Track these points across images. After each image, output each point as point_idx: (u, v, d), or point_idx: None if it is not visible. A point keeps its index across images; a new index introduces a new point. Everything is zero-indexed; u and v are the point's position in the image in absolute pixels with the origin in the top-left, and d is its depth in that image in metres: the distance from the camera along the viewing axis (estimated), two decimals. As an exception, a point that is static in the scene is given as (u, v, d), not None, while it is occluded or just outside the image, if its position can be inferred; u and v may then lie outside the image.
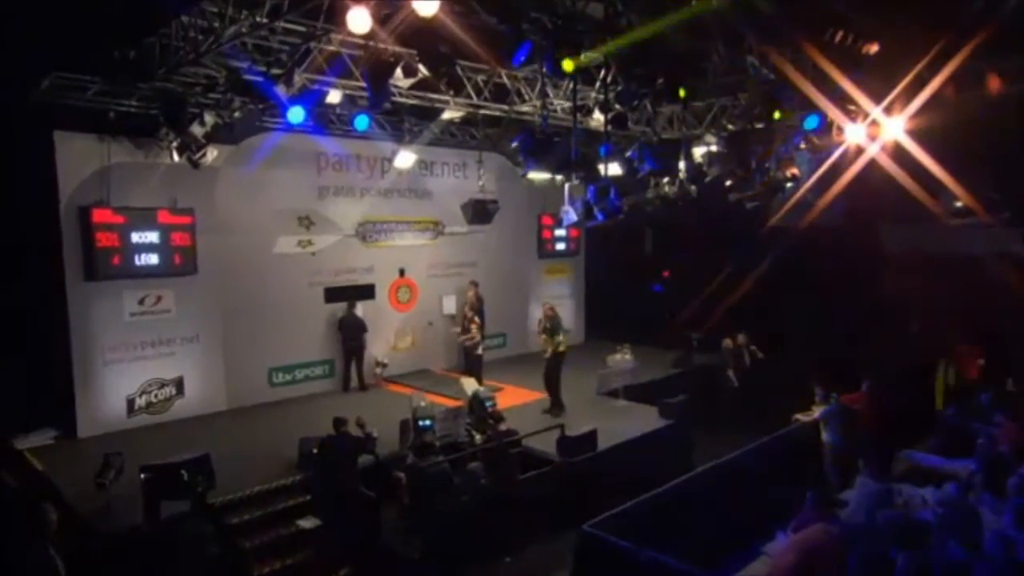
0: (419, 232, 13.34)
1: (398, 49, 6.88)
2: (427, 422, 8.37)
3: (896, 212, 12.42)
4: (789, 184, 11.09)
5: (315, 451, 7.90)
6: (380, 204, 12.66)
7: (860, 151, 10.18)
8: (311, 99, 8.56)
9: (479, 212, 11.40)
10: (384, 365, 12.48)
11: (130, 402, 9.94)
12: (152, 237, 9.80)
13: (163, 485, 6.75)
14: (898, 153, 9.85)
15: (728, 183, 10.49)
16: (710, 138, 10.18)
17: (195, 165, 9.46)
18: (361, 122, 9.55)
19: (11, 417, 8.92)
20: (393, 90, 7.43)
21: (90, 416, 9.56)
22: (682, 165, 10.05)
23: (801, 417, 8.90)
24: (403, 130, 11.78)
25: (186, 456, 6.99)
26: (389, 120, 11.79)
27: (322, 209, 11.90)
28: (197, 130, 8.67)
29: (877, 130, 9.46)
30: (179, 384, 10.40)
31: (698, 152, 10.56)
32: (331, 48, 8.06)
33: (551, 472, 8.43)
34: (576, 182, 8.40)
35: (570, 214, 8.22)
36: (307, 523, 7.70)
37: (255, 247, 11.08)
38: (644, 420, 10.20)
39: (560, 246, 15.72)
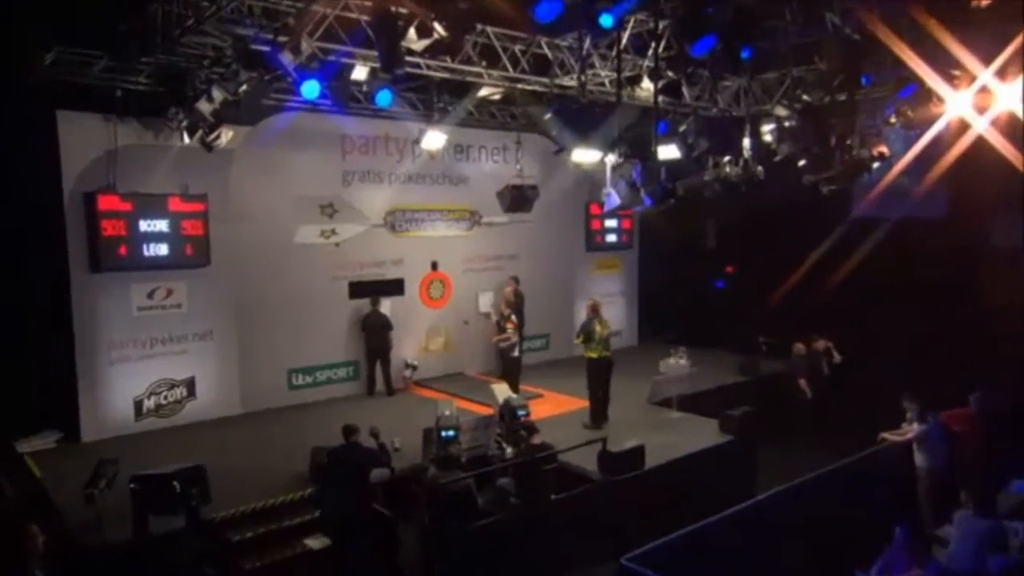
0: (453, 222, 13.00)
1: (412, 5, 6.42)
2: (451, 432, 7.95)
3: (1008, 198, 11.37)
4: (876, 165, 10.18)
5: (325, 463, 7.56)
6: (411, 191, 12.36)
7: (965, 126, 9.25)
8: (327, 72, 8.24)
9: (517, 199, 10.89)
10: (413, 367, 12.17)
11: (138, 404, 9.84)
12: (162, 225, 9.67)
13: (153, 498, 6.50)
14: (1012, 127, 8.89)
15: (802, 163, 9.66)
16: (781, 110, 9.37)
17: (208, 147, 9.32)
18: (383, 97, 9.13)
19: (14, 418, 8.89)
20: (407, 55, 6.94)
21: (95, 418, 9.49)
22: (746, 142, 9.28)
23: (889, 436, 8.12)
24: (436, 109, 11.36)
25: (179, 467, 6.70)
26: (420, 98, 11.41)
27: (347, 196, 11.65)
28: (205, 107, 8.44)
29: (987, 99, 8.54)
30: (190, 385, 10.27)
31: (766, 128, 9.76)
32: (351, 15, 7.68)
33: (589, 492, 7.93)
34: (620, 160, 7.79)
35: (612, 197, 7.62)
36: (315, 543, 7.35)
37: (273, 237, 10.88)
38: (701, 435, 9.64)
39: (611, 238, 15.19)
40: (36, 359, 9.08)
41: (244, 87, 8.02)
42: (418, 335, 12.61)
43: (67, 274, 9.19)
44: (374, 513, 7.29)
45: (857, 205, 12.38)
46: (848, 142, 9.50)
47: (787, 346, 12.00)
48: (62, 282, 9.18)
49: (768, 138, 9.58)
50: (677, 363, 11.19)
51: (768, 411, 10.23)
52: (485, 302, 13.17)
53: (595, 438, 8.48)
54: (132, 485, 6.58)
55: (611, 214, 14.38)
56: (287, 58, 7.07)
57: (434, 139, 11.05)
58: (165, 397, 10.06)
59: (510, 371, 11.28)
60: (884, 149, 10.06)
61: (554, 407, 10.91)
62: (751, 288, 14.16)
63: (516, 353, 11.33)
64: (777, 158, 9.58)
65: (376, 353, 11.73)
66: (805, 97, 9.31)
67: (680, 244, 15.53)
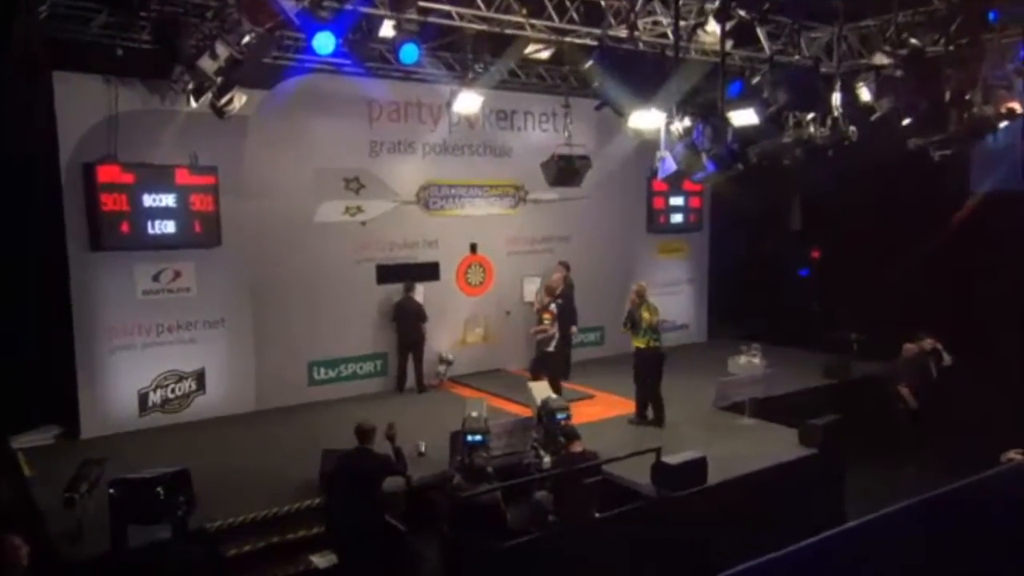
0: (495, 198, 12.56)
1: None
2: (477, 437, 7.53)
3: None
4: (1003, 125, 9.15)
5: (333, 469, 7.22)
6: (447, 163, 11.98)
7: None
8: (344, 23, 7.80)
9: (564, 171, 10.29)
10: (449, 362, 11.83)
11: (142, 397, 9.71)
12: (168, 200, 9.47)
13: (133, 505, 6.21)
14: None
15: (907, 122, 8.71)
16: (881, 58, 8.43)
17: (220, 113, 9.02)
18: (408, 53, 8.55)
19: (11, 411, 8.80)
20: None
21: (95, 413, 9.38)
22: (836, 97, 8.41)
23: (1017, 456, 7.16)
24: (471, 68, 10.81)
25: (162, 471, 6.40)
26: (456, 57, 10.88)
27: (374, 168, 11.31)
28: (208, 64, 8.04)
29: None
30: (200, 378, 10.11)
31: (861, 82, 8.86)
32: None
33: (640, 510, 7.41)
34: (684, 120, 7.10)
35: (667, 162, 6.95)
36: (321, 560, 7.06)
37: (292, 214, 10.62)
38: (776, 446, 9.03)
39: (677, 218, 14.48)
40: (32, 346, 8.94)
41: (247, 39, 7.64)
42: (454, 326, 12.24)
43: (65, 253, 9.07)
44: (386, 527, 6.94)
45: (978, 176, 11.30)
46: (968, 97, 8.54)
47: (884, 345, 11.17)
48: (60, 262, 9.06)
49: (864, 93, 8.67)
50: (750, 362, 10.73)
51: (860, 421, 9.53)
52: (531, 290, 12.67)
53: (647, 447, 7.89)
54: (111, 490, 6.29)
55: (677, 190, 13.64)
56: (288, 1, 6.62)
57: (468, 102, 10.49)
58: (172, 391, 9.91)
59: (552, 368, 10.73)
60: (1015, 105, 8.98)
61: (605, 409, 10.43)
62: (841, 276, 13.43)
63: (552, 348, 10.75)
64: (875, 116, 8.67)
65: (409, 345, 11.39)
66: (912, 41, 8.33)
67: (758, 224, 14.75)
